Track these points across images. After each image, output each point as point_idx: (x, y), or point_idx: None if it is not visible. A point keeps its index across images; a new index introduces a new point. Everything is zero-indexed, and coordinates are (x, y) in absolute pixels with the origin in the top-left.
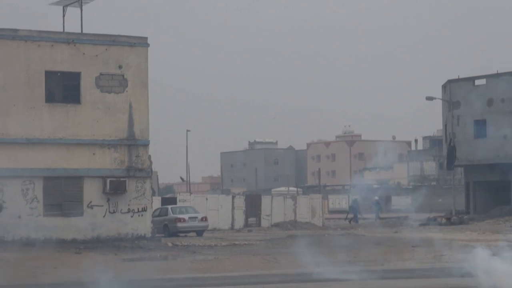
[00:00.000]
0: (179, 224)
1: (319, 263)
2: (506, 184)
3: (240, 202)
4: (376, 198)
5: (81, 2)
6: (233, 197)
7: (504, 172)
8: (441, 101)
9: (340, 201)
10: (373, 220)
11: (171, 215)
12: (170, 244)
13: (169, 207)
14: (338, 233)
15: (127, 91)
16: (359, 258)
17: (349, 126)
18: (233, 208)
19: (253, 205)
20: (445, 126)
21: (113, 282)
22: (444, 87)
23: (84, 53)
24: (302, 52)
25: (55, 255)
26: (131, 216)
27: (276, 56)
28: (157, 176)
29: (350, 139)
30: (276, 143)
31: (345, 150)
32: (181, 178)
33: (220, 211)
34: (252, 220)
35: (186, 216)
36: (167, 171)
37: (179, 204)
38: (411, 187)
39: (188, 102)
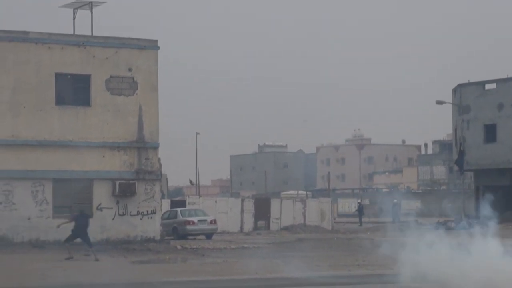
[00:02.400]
0: (188, 227)
1: (327, 266)
2: None
3: (249, 205)
4: (395, 200)
5: (92, 5)
6: (242, 200)
7: None
8: (451, 105)
9: (349, 205)
10: (392, 222)
11: (180, 217)
12: (179, 247)
13: (179, 209)
14: (346, 236)
15: (137, 93)
16: (368, 261)
17: (358, 130)
18: (242, 211)
19: (262, 208)
20: (455, 130)
21: (122, 284)
22: (454, 91)
23: (94, 56)
24: (313, 56)
25: (65, 257)
26: (141, 219)
27: (286, 60)
28: (167, 178)
29: (360, 143)
30: (285, 146)
31: (354, 154)
32: (190, 181)
33: (229, 214)
34: (261, 223)
35: (195, 219)
36: (176, 173)
37: (188, 207)
38: (420, 191)
39: (198, 105)
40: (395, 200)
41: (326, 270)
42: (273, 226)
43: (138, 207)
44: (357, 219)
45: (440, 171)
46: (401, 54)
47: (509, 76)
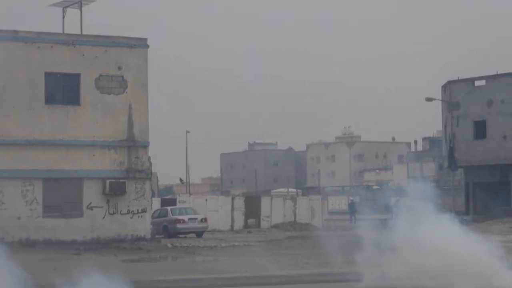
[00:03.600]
0: (178, 225)
1: (316, 264)
2: (506, 185)
3: (239, 203)
4: (398, 198)
5: (81, 4)
6: (232, 198)
7: (504, 173)
8: (440, 102)
9: (340, 202)
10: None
11: (170, 216)
12: (169, 245)
13: (169, 208)
14: (337, 234)
15: (126, 92)
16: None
17: (349, 127)
18: (232, 209)
19: (252, 206)
20: (445, 127)
21: (112, 283)
22: (444, 88)
23: (83, 55)
24: (302, 54)
25: (55, 256)
26: (131, 217)
27: (275, 58)
28: (157, 177)
29: (350, 140)
30: (275, 144)
31: (344, 151)
32: (181, 180)
33: (219, 212)
34: (251, 221)
35: (185, 217)
36: (166, 172)
37: (178, 205)
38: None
39: (188, 104)
40: (397, 198)
41: (315, 268)
42: (264, 224)
43: (128, 206)
44: (348, 217)
45: (430, 168)
46: (390, 52)
47: (498, 73)
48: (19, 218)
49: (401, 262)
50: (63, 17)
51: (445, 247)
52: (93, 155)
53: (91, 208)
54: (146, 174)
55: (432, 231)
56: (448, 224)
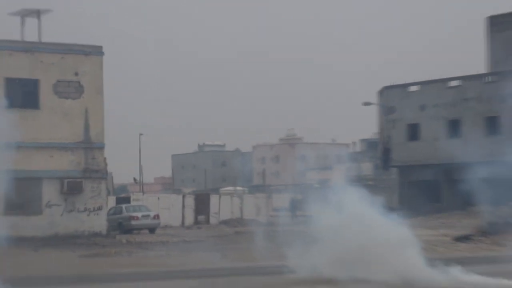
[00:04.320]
0: (132, 222)
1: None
2: (436, 183)
3: (190, 201)
4: (296, 195)
5: (39, 13)
6: (183, 197)
7: (435, 172)
8: (377, 106)
9: (283, 200)
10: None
11: (125, 213)
12: (124, 241)
13: (123, 206)
14: (281, 229)
15: (83, 97)
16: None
17: (292, 129)
18: (183, 206)
19: (202, 204)
20: (381, 129)
21: (70, 277)
22: (380, 93)
23: (41, 61)
24: (246, 58)
25: (13, 252)
26: (88, 215)
27: (220, 62)
28: (112, 177)
29: (293, 142)
30: (224, 145)
31: (288, 152)
32: (134, 179)
33: (171, 210)
34: (201, 217)
35: (139, 214)
36: (121, 172)
37: (132, 203)
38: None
39: (141, 107)
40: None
41: (258, 262)
42: (213, 220)
43: (85, 204)
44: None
45: (367, 167)
46: (330, 57)
47: (430, 79)
48: None
49: (323, 253)
50: (22, 25)
51: (364, 234)
52: (51, 156)
53: (50, 206)
54: (102, 174)
55: (352, 217)
56: (369, 212)
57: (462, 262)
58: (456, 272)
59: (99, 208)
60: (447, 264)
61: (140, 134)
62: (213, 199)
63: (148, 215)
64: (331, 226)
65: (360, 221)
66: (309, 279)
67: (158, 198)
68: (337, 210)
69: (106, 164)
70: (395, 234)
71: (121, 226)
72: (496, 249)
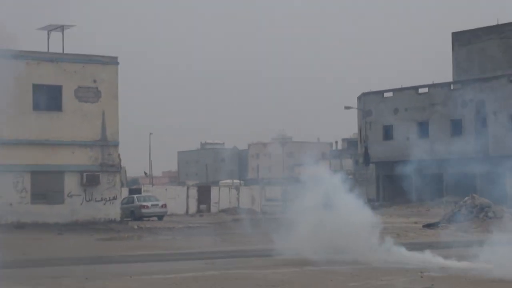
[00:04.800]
0: (143, 210)
1: (255, 242)
2: (408, 177)
3: (193, 192)
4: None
5: (63, 28)
6: (187, 188)
7: (406, 167)
8: (356, 110)
9: (275, 191)
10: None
11: (136, 202)
12: (136, 227)
13: (135, 196)
14: (270, 217)
15: (100, 101)
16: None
17: (283, 129)
18: (187, 197)
19: (204, 195)
20: (360, 130)
21: (89, 258)
22: (359, 98)
23: (65, 70)
24: (242, 60)
25: (41, 236)
26: (104, 204)
27: (218, 67)
28: (125, 170)
29: (283, 141)
30: (223, 144)
31: (279, 150)
32: (145, 173)
33: (177, 200)
34: (203, 206)
35: (149, 204)
36: (133, 166)
37: (143, 194)
38: None
39: (152, 109)
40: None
41: (253, 245)
42: (213, 209)
43: (102, 194)
44: (281, 203)
45: (348, 163)
46: (315, 67)
47: (402, 86)
48: (11, 205)
49: (304, 237)
50: (48, 38)
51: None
52: (73, 153)
53: (71, 196)
54: (116, 168)
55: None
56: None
57: (429, 246)
58: (403, 251)
59: (114, 198)
60: (415, 248)
61: (150, 134)
62: (214, 190)
63: (157, 204)
64: (311, 213)
65: (336, 208)
66: (294, 260)
67: (166, 189)
68: (321, 198)
69: (120, 160)
70: (363, 219)
71: (133, 214)
72: (459, 235)
